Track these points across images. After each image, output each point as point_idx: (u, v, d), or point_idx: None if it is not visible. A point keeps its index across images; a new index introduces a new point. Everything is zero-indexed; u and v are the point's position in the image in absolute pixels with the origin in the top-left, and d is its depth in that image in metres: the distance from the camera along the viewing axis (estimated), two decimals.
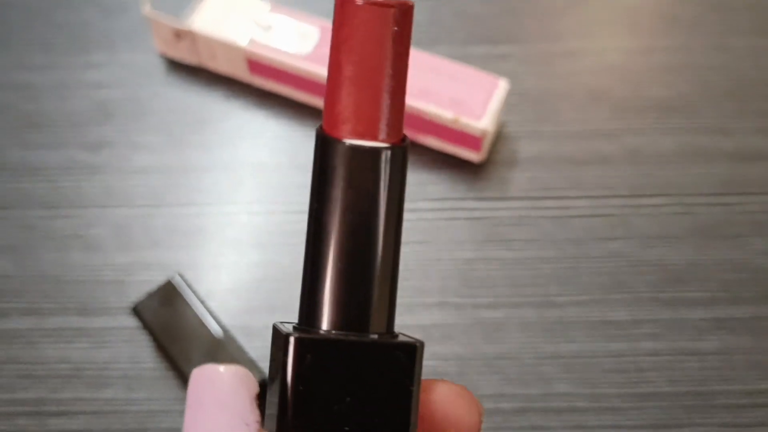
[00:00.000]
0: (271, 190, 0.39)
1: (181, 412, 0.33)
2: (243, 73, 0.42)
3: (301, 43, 0.40)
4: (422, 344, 0.17)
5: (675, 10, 0.45)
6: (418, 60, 0.39)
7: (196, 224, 0.38)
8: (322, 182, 0.17)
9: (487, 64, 0.42)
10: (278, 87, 0.41)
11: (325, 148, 0.17)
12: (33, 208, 0.39)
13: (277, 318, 0.32)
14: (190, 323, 0.35)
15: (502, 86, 0.38)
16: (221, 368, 0.19)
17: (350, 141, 0.17)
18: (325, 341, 0.16)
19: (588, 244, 0.38)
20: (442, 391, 0.18)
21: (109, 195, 0.39)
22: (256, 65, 0.40)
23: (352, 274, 0.17)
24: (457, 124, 0.37)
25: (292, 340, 0.16)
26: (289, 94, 0.41)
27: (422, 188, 0.39)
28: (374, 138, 0.17)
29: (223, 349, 0.34)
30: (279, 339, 0.17)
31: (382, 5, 0.16)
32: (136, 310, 0.35)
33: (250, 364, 0.34)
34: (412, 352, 0.17)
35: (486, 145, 0.39)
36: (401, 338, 0.17)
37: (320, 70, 0.39)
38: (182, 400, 0.34)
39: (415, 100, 0.38)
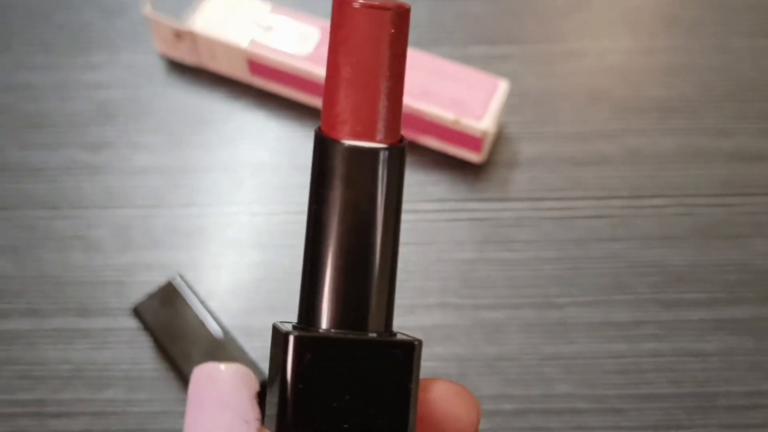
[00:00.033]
0: (271, 190, 0.39)
1: (182, 414, 0.33)
2: (243, 74, 0.42)
3: (302, 43, 0.40)
4: (420, 342, 0.17)
5: (675, 11, 0.45)
6: (418, 61, 0.39)
7: (196, 225, 0.38)
8: (320, 182, 0.17)
9: (488, 64, 0.42)
10: (279, 88, 0.41)
11: (323, 149, 0.17)
12: (33, 208, 0.39)
13: (277, 318, 0.32)
14: (191, 324, 0.35)
15: (502, 87, 0.38)
16: (222, 366, 0.19)
17: (348, 142, 0.17)
18: (325, 340, 0.17)
19: (589, 245, 0.38)
20: (440, 390, 0.18)
21: (109, 195, 0.39)
22: (256, 66, 0.40)
23: (351, 273, 0.17)
24: (457, 125, 0.37)
25: (291, 338, 0.16)
26: (289, 94, 0.41)
27: (423, 189, 0.39)
28: (372, 139, 0.17)
29: (224, 350, 0.34)
30: (278, 338, 0.17)
31: (379, 8, 0.16)
32: (137, 311, 0.35)
33: (250, 364, 0.34)
34: (410, 350, 0.17)
35: (486, 145, 0.39)
36: (400, 337, 0.17)
37: (321, 71, 0.39)
38: (183, 401, 0.34)
39: (415, 101, 0.38)
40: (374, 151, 0.17)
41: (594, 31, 0.45)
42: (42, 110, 0.42)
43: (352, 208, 0.17)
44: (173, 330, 0.34)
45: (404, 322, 0.36)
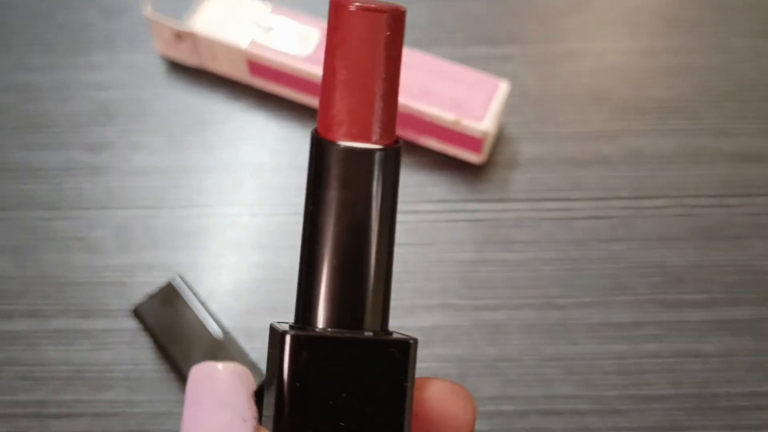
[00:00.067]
0: (271, 191, 0.39)
1: (182, 412, 0.33)
2: (244, 75, 0.42)
3: (302, 44, 0.40)
4: (416, 341, 0.17)
5: (675, 12, 0.45)
6: (418, 61, 0.39)
7: (196, 225, 0.38)
8: (317, 183, 0.17)
9: (488, 65, 0.42)
10: (279, 88, 0.41)
11: (319, 150, 0.17)
12: (34, 209, 0.39)
13: (278, 319, 0.32)
14: (191, 325, 0.35)
15: (502, 88, 0.38)
16: (219, 365, 0.19)
17: (344, 143, 0.17)
18: (321, 338, 0.17)
19: (589, 246, 0.38)
20: (436, 389, 0.18)
21: (109, 196, 0.39)
22: (256, 66, 0.40)
23: (347, 273, 0.17)
24: (458, 126, 0.37)
25: (288, 337, 0.16)
26: (289, 95, 0.41)
27: (423, 190, 0.39)
28: (368, 140, 0.17)
29: (224, 351, 0.34)
30: (275, 337, 0.17)
31: (374, 10, 0.17)
32: (137, 312, 0.35)
33: (250, 365, 0.34)
34: (406, 348, 0.17)
35: (487, 146, 0.39)
36: (396, 336, 0.17)
37: (321, 72, 0.39)
38: (183, 401, 0.34)
39: (415, 101, 0.38)
40: (370, 152, 0.17)
41: (594, 31, 0.45)
42: (42, 111, 0.42)
43: (348, 208, 0.17)
44: (173, 331, 0.34)
45: (404, 323, 0.36)
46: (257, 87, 0.42)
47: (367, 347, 0.17)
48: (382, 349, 0.17)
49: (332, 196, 0.17)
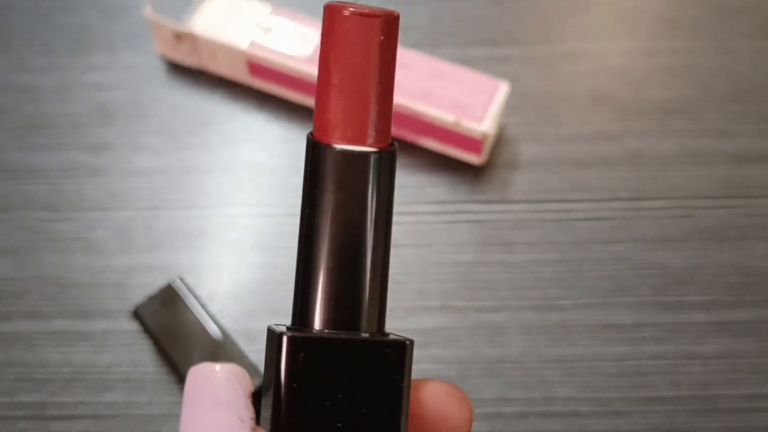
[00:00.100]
0: (271, 192, 0.39)
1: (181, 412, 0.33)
2: (244, 76, 0.41)
3: (302, 45, 0.40)
4: (412, 342, 0.17)
5: (676, 13, 0.45)
6: (419, 62, 0.39)
7: (197, 226, 0.38)
8: (313, 186, 0.17)
9: (489, 65, 0.42)
10: (279, 89, 0.41)
11: (315, 154, 0.17)
12: (34, 210, 0.39)
13: (278, 320, 0.32)
14: (191, 326, 0.35)
15: (502, 89, 0.38)
16: (217, 366, 0.19)
17: (339, 146, 0.17)
18: (318, 340, 0.17)
19: (589, 247, 0.38)
20: (432, 390, 0.18)
21: (110, 197, 0.39)
22: (256, 67, 0.40)
23: (344, 275, 0.17)
24: (458, 127, 0.37)
25: (285, 339, 0.17)
26: (289, 96, 0.41)
27: (422, 191, 0.39)
28: (363, 143, 0.17)
29: (224, 352, 0.34)
30: (273, 339, 0.17)
31: (368, 15, 0.17)
32: (137, 314, 0.35)
33: (250, 367, 0.34)
34: (402, 349, 0.17)
35: (487, 147, 0.39)
36: (392, 337, 0.18)
37: None
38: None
39: (415, 102, 0.38)
40: (365, 155, 0.17)
41: (594, 32, 0.45)
42: (42, 111, 0.42)
43: (343, 210, 0.17)
44: (173, 332, 0.34)
45: (404, 325, 0.36)
46: (257, 88, 0.42)
47: (364, 348, 0.17)
48: (379, 350, 0.17)
49: (328, 198, 0.17)
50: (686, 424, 0.34)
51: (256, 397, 0.19)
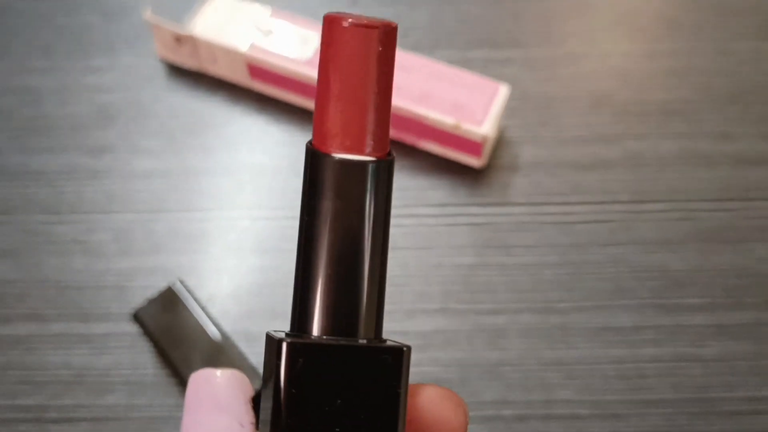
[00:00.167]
0: (271, 194, 0.39)
1: (182, 417, 0.33)
2: (244, 78, 0.41)
3: (302, 48, 0.40)
4: (409, 348, 0.18)
5: (676, 14, 0.45)
6: (418, 65, 0.39)
7: (197, 229, 0.38)
8: (312, 194, 0.18)
9: (489, 67, 0.42)
10: (279, 92, 0.41)
11: (314, 162, 0.18)
12: (35, 213, 0.39)
13: (278, 323, 0.32)
14: (191, 329, 0.35)
15: (502, 91, 0.38)
16: (218, 372, 0.20)
17: (338, 155, 0.17)
18: (317, 346, 0.17)
19: (589, 250, 0.38)
20: (428, 394, 0.19)
21: (110, 200, 0.39)
22: (256, 70, 0.40)
23: (342, 282, 0.18)
24: (458, 130, 0.37)
25: (284, 345, 0.17)
26: (289, 98, 0.41)
27: (423, 194, 0.39)
28: (361, 152, 0.18)
29: (224, 355, 0.34)
30: (272, 345, 0.17)
31: (367, 26, 0.17)
32: (137, 317, 0.35)
33: (250, 369, 0.34)
34: (399, 355, 0.17)
35: (487, 150, 0.39)
36: (389, 343, 0.18)
37: None
38: (183, 405, 0.34)
39: (415, 105, 0.38)
40: (363, 164, 0.18)
41: (595, 34, 0.45)
42: (42, 114, 0.42)
43: (342, 218, 0.18)
44: (173, 335, 0.35)
45: (404, 327, 0.36)
46: (257, 90, 0.42)
47: (362, 354, 0.17)
48: (376, 356, 0.17)
49: (327, 206, 0.17)
50: (686, 427, 0.34)
51: (257, 402, 0.19)
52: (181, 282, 0.36)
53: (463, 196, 0.39)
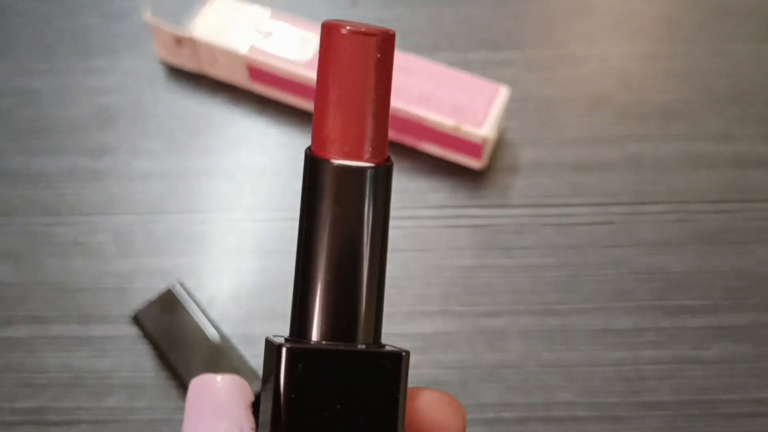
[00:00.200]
0: (271, 196, 0.39)
1: (182, 421, 0.33)
2: (243, 80, 0.41)
3: (302, 49, 0.40)
4: (408, 353, 0.18)
5: (676, 16, 0.45)
6: (419, 67, 0.39)
7: (197, 231, 0.38)
8: (311, 200, 0.18)
9: (489, 69, 0.42)
10: (279, 94, 0.41)
11: (313, 168, 0.18)
12: (35, 214, 0.39)
13: (278, 325, 0.32)
14: (191, 331, 0.35)
15: (502, 93, 0.38)
16: (218, 378, 0.20)
17: (337, 161, 0.18)
18: (316, 351, 0.17)
19: (589, 252, 0.38)
20: (427, 398, 0.19)
21: (110, 201, 0.39)
22: (256, 72, 0.40)
23: (341, 287, 0.18)
24: (458, 132, 0.37)
25: (284, 350, 0.17)
26: (289, 100, 0.41)
27: (423, 196, 0.39)
28: (359, 158, 0.18)
29: (224, 357, 0.34)
30: (272, 350, 0.18)
31: (365, 34, 0.17)
32: (136, 319, 0.35)
33: (250, 372, 0.34)
34: (398, 361, 0.17)
35: (487, 152, 0.39)
36: (388, 348, 0.18)
37: None
38: (183, 408, 0.34)
39: (415, 107, 0.38)
40: (361, 170, 0.18)
41: (595, 36, 0.45)
42: (42, 115, 0.42)
43: (341, 224, 0.18)
44: (173, 337, 0.34)
45: (404, 329, 0.36)
46: (257, 92, 0.42)
47: (361, 359, 0.17)
48: (375, 361, 0.17)
49: (326, 212, 0.18)
50: (686, 429, 0.34)
51: (256, 407, 0.19)
52: (181, 284, 0.36)
53: (463, 197, 0.39)
